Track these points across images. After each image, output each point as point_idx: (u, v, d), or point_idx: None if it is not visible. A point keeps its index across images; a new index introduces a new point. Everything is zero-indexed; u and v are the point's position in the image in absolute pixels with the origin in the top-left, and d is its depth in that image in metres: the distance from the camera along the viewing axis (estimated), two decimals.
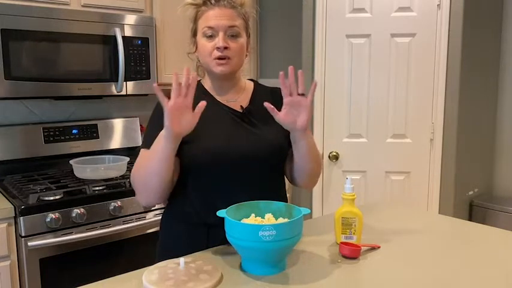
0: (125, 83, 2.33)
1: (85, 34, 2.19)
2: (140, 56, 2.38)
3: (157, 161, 1.20)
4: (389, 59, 2.66)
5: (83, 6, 2.24)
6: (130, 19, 2.33)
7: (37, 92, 2.10)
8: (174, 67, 2.56)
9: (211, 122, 1.32)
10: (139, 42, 2.37)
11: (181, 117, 1.15)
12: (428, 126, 2.68)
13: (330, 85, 2.75)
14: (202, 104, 1.16)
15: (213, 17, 1.28)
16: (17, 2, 2.04)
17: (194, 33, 1.35)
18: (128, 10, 2.39)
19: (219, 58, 1.28)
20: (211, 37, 1.28)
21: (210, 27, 1.28)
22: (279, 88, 1.47)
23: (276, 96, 1.43)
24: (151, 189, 1.25)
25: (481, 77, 2.85)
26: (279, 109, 1.28)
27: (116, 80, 2.31)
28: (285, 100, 1.21)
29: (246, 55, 1.37)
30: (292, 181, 1.44)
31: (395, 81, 2.67)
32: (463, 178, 2.79)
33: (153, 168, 1.22)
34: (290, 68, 1.19)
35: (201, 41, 1.31)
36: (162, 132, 1.18)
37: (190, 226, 1.33)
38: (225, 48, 1.27)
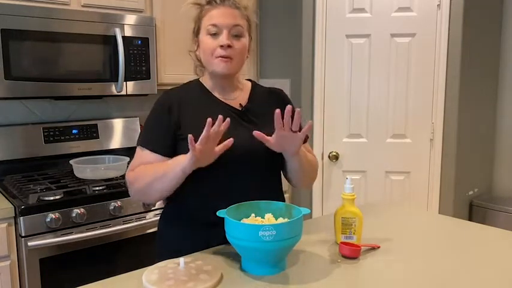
0: (125, 83, 2.33)
1: (85, 34, 2.19)
2: (140, 56, 2.37)
3: (167, 181, 1.24)
4: (389, 59, 2.66)
5: (83, 6, 2.24)
6: (130, 19, 2.33)
7: (37, 92, 2.10)
8: (174, 67, 2.56)
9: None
10: (139, 42, 2.37)
11: (204, 154, 1.18)
12: (428, 126, 2.68)
13: (330, 85, 2.75)
14: (229, 141, 1.19)
15: (218, 15, 1.29)
16: (17, 2, 2.04)
17: (197, 32, 1.35)
18: (128, 10, 2.39)
19: (222, 57, 1.28)
20: (215, 35, 1.29)
21: (214, 25, 1.28)
22: (277, 88, 1.48)
23: (273, 97, 1.44)
24: (150, 199, 1.35)
25: (481, 77, 2.85)
26: (279, 104, 1.31)
27: (116, 80, 2.30)
28: (277, 131, 1.20)
29: (247, 56, 1.37)
30: (289, 181, 1.47)
31: (395, 81, 2.67)
32: (463, 178, 2.79)
33: (159, 186, 1.26)
34: (287, 109, 1.17)
35: (204, 38, 1.30)
36: (181, 161, 1.20)
37: (190, 226, 1.33)
38: (229, 46, 1.27)
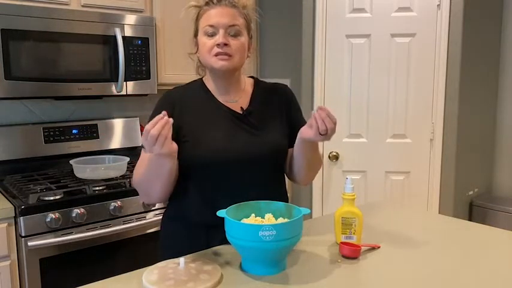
0: (125, 83, 2.33)
1: (85, 34, 2.19)
2: (140, 56, 2.37)
3: (155, 176, 1.24)
4: (389, 59, 2.66)
5: (83, 6, 2.24)
6: (130, 19, 2.33)
7: (37, 92, 2.10)
8: (174, 67, 2.56)
9: (212, 123, 1.32)
10: (139, 42, 2.37)
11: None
12: (428, 126, 2.68)
13: (330, 85, 2.75)
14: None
15: (215, 15, 1.28)
16: (17, 2, 2.04)
17: (195, 33, 1.35)
18: (128, 10, 2.39)
19: (220, 54, 1.27)
20: (212, 35, 1.28)
21: (210, 26, 1.28)
22: (281, 84, 1.48)
23: (277, 94, 1.44)
24: (153, 197, 1.32)
25: (481, 77, 2.85)
26: (281, 104, 1.38)
27: (116, 80, 2.31)
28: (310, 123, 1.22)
29: (248, 56, 1.37)
30: (291, 177, 1.46)
31: (395, 81, 2.67)
32: (463, 178, 2.79)
33: (154, 181, 1.26)
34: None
35: (202, 39, 1.30)
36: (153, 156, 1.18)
37: (190, 226, 1.33)
38: (225, 45, 1.27)
